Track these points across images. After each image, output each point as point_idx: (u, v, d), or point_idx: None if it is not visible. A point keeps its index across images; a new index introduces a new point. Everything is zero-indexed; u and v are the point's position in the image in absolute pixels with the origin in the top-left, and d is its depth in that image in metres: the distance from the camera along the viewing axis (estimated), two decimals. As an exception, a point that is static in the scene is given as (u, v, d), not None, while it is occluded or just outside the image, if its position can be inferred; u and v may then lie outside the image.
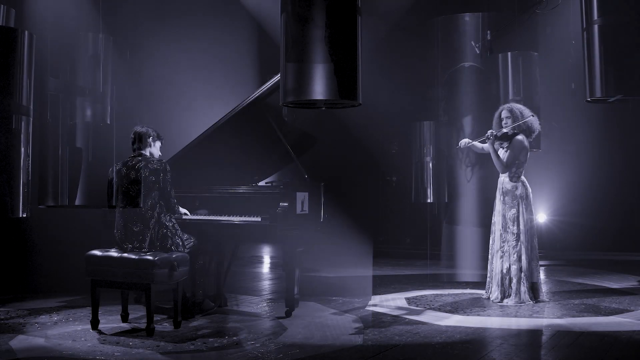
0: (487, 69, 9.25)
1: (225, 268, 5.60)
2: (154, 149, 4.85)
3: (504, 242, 5.74)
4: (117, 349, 4.09)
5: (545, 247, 9.24)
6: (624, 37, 5.44)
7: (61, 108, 8.25)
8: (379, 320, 5.03)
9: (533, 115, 5.88)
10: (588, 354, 4.02)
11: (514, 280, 5.65)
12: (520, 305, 5.53)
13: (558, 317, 5.09)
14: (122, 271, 4.48)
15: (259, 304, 5.85)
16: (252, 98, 5.35)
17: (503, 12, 8.76)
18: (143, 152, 4.77)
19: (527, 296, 5.61)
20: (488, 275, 5.92)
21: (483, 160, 8.21)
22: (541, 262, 6.72)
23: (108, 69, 8.36)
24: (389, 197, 11.69)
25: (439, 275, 7.87)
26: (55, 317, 5.06)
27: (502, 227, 5.76)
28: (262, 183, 5.70)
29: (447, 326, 4.77)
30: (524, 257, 5.67)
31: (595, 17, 5.58)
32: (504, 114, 5.87)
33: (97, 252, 4.62)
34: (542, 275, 6.66)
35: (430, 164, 10.59)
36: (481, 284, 6.37)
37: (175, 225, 4.77)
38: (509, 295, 5.66)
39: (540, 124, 6.01)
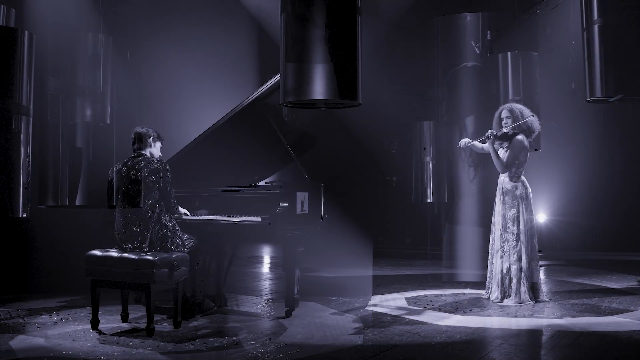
0: (487, 69, 9.25)
1: (225, 268, 5.60)
2: (154, 149, 4.85)
3: (504, 242, 5.74)
4: (117, 349, 4.09)
5: (545, 247, 9.24)
6: (624, 37, 5.43)
7: (61, 108, 8.26)
8: (379, 320, 5.03)
9: (533, 115, 5.88)
10: (588, 354, 4.02)
11: (514, 280, 5.65)
12: (520, 305, 5.53)
13: (558, 317, 5.09)
14: (122, 271, 4.48)
15: (259, 304, 5.85)
16: (252, 98, 5.35)
17: (503, 12, 8.77)
18: (143, 152, 4.77)
19: (527, 296, 5.61)
20: (488, 275, 5.92)
21: (484, 160, 8.21)
22: (541, 262, 6.72)
23: (108, 69, 8.36)
24: (389, 197, 11.69)
25: (439, 275, 7.87)
26: (55, 317, 5.06)
27: (502, 227, 5.76)
28: (262, 183, 5.70)
29: (447, 326, 4.77)
30: (524, 257, 5.67)
31: (595, 17, 5.58)
32: (504, 113, 5.87)
33: (97, 252, 4.62)
34: (542, 275, 6.67)
35: (430, 164, 10.59)
36: (481, 283, 6.37)
37: (175, 225, 4.77)
38: (509, 295, 5.66)
39: (540, 124, 6.01)
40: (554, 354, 4.06)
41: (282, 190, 4.98)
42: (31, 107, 5.54)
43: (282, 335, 4.48)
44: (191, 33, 9.37)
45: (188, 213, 5.09)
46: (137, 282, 4.45)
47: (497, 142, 5.90)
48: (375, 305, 5.71)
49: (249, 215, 5.04)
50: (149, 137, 4.81)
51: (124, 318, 4.85)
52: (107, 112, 8.35)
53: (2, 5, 6.62)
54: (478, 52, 7.29)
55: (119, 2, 8.76)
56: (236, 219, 5.07)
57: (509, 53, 8.52)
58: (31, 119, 5.54)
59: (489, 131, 5.84)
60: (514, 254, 5.68)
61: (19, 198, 5.37)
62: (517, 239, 5.69)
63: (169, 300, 4.76)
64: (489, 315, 5.19)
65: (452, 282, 7.25)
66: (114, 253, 4.58)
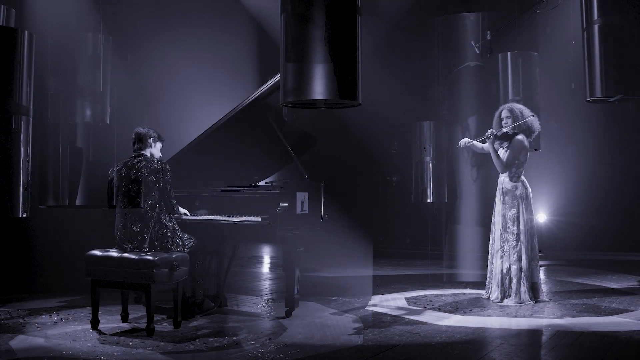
0: (487, 69, 9.26)
1: (225, 268, 5.60)
2: (155, 150, 4.85)
3: (504, 242, 5.74)
4: (117, 349, 4.08)
5: (545, 247, 9.24)
6: (624, 37, 5.44)
7: (61, 108, 8.26)
8: (379, 320, 5.03)
9: (533, 115, 5.88)
10: (588, 354, 4.02)
11: (514, 280, 5.65)
12: (520, 305, 5.53)
13: (558, 317, 5.09)
14: (122, 271, 4.48)
15: (259, 304, 5.84)
16: (252, 98, 5.35)
17: (503, 12, 8.77)
18: (143, 152, 4.78)
19: (527, 296, 5.61)
20: (488, 275, 5.92)
21: (484, 160, 8.21)
22: (541, 262, 6.72)
23: (108, 69, 8.36)
24: (389, 197, 11.69)
25: (439, 275, 7.86)
26: (55, 317, 5.06)
27: (502, 227, 5.76)
28: (262, 183, 5.70)
29: (447, 326, 4.76)
30: (524, 257, 5.67)
31: (595, 17, 5.58)
32: (504, 113, 5.87)
33: (97, 252, 4.62)
34: (542, 275, 6.67)
35: (430, 164, 10.59)
36: (481, 283, 6.37)
37: (175, 225, 4.77)
38: (509, 295, 5.66)
39: (540, 124, 6.01)
40: (554, 354, 4.06)
41: (282, 190, 4.98)
42: (31, 107, 5.54)
43: (282, 335, 4.48)
44: (191, 33, 9.37)
45: (188, 213, 5.09)
46: (137, 282, 4.45)
47: (497, 142, 5.90)
48: (375, 305, 5.71)
49: (249, 215, 5.04)
50: (150, 138, 4.81)
51: (124, 318, 4.85)
52: (107, 112, 8.35)
53: (2, 5, 6.62)
54: (478, 52, 7.29)
55: (119, 2, 8.76)
56: (236, 219, 5.07)
57: (508, 53, 8.52)
58: (31, 119, 5.54)
59: (489, 131, 5.84)
60: (514, 254, 5.68)
61: (19, 198, 5.37)
62: (517, 239, 5.69)
63: (169, 300, 4.76)
64: (489, 315, 5.19)
65: (452, 282, 7.25)
66: (114, 253, 4.58)
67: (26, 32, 5.52)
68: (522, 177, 5.82)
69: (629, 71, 5.43)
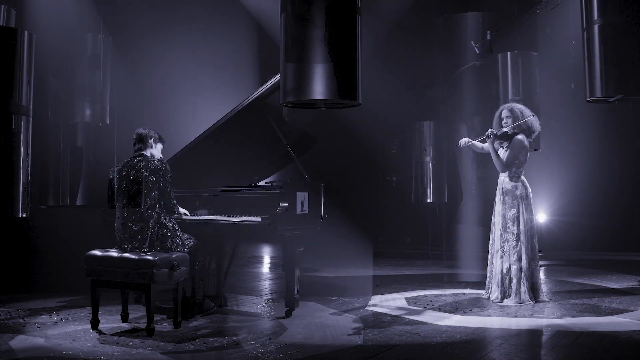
0: (487, 69, 9.25)
1: (225, 268, 5.60)
2: (155, 151, 4.86)
3: (504, 242, 5.74)
4: (117, 349, 4.09)
5: (545, 247, 9.24)
6: (624, 37, 5.43)
7: (61, 108, 8.27)
8: (379, 320, 5.03)
9: (533, 115, 5.88)
10: (588, 354, 4.02)
11: (514, 280, 5.65)
12: (520, 305, 5.53)
13: (558, 317, 5.09)
14: (122, 271, 4.48)
15: (259, 304, 5.84)
16: (252, 98, 5.35)
17: (503, 12, 8.76)
18: (144, 152, 4.78)
19: (527, 296, 5.61)
20: (488, 275, 5.92)
21: (484, 160, 8.20)
22: (541, 262, 6.72)
23: (108, 69, 8.37)
24: (389, 197, 11.69)
25: (439, 275, 7.86)
26: (55, 317, 5.06)
27: (502, 227, 5.76)
28: (262, 183, 5.70)
29: (447, 326, 4.76)
30: (524, 257, 5.67)
31: (595, 17, 5.58)
32: (504, 113, 5.87)
33: (97, 252, 4.62)
34: (542, 275, 6.67)
35: (430, 164, 10.59)
36: (481, 283, 6.37)
37: (175, 225, 4.77)
38: (509, 295, 5.66)
39: (540, 124, 6.01)
40: (554, 354, 4.06)
41: (282, 190, 4.98)
42: (31, 107, 5.54)
43: (282, 335, 4.48)
44: (191, 33, 9.38)
45: (188, 213, 5.09)
46: (137, 282, 4.45)
47: (497, 142, 5.91)
48: (375, 305, 5.71)
49: (249, 215, 5.04)
50: (150, 138, 4.82)
51: (124, 318, 4.85)
52: (106, 112, 8.36)
53: (2, 6, 6.62)
54: (478, 52, 7.28)
55: (119, 2, 8.76)
56: (236, 219, 5.07)
57: (508, 53, 8.52)
58: (31, 119, 5.54)
59: (489, 130, 5.84)
60: (514, 254, 5.68)
61: (19, 198, 5.37)
62: (517, 239, 5.69)
63: (169, 300, 4.76)
64: (489, 315, 5.19)
65: (452, 282, 7.25)
66: (114, 253, 4.58)
67: (26, 32, 5.52)
68: (522, 177, 5.82)
69: (629, 71, 5.43)
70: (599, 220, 9.67)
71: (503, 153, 5.84)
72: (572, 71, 8.35)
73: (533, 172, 7.01)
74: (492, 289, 5.80)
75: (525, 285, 5.63)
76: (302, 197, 5.08)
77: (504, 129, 5.80)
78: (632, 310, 5.34)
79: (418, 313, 5.30)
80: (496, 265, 5.78)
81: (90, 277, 4.61)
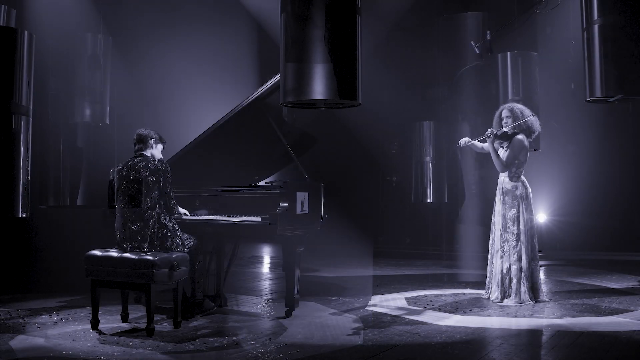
0: (487, 69, 9.26)
1: (225, 268, 5.60)
2: (156, 151, 4.86)
3: (504, 242, 5.74)
4: (117, 349, 4.09)
5: (545, 247, 9.24)
6: (624, 37, 5.43)
7: (61, 108, 8.27)
8: (379, 320, 5.03)
9: (533, 115, 5.88)
10: (588, 354, 4.02)
11: (514, 280, 5.65)
12: (520, 305, 5.53)
13: (558, 317, 5.09)
14: (122, 271, 4.48)
15: (259, 304, 5.85)
16: (252, 98, 5.35)
17: (503, 12, 8.77)
18: (144, 153, 4.79)
19: (527, 296, 5.61)
20: (488, 275, 5.92)
21: (484, 160, 8.21)
22: (541, 262, 6.72)
23: (108, 69, 8.37)
24: (389, 197, 11.69)
25: (439, 275, 7.86)
26: (55, 317, 5.06)
27: (502, 227, 5.76)
28: (262, 183, 5.70)
29: (447, 326, 4.76)
30: (524, 257, 5.67)
31: (595, 17, 5.58)
32: (505, 113, 5.87)
33: (97, 252, 4.62)
34: (542, 275, 6.67)
35: (430, 164, 10.60)
36: (481, 283, 6.37)
37: (175, 225, 4.77)
38: (509, 295, 5.66)
39: (540, 124, 6.01)
40: (554, 354, 4.06)
41: (282, 190, 4.98)
42: (31, 107, 5.54)
43: (282, 335, 4.48)
44: (191, 33, 9.37)
45: (188, 213, 5.09)
46: (137, 282, 4.45)
47: (497, 142, 5.91)
48: (375, 305, 5.71)
49: (249, 215, 5.04)
50: (151, 139, 4.82)
51: (124, 318, 4.85)
52: (106, 112, 8.36)
53: (3, 6, 6.62)
54: (478, 52, 7.27)
55: (119, 2, 8.77)
56: (236, 219, 5.07)
57: (508, 53, 8.53)
58: (31, 119, 5.54)
59: (489, 130, 5.84)
60: (514, 254, 5.68)
61: (19, 198, 5.37)
62: (517, 239, 5.69)
63: (169, 300, 4.76)
64: (489, 315, 5.19)
65: (452, 282, 7.24)
66: (114, 253, 4.58)
67: (26, 32, 5.52)
68: (522, 177, 5.82)
69: (629, 71, 5.42)
70: (599, 220, 9.67)
71: (503, 153, 5.84)
72: (572, 71, 8.36)
73: (533, 172, 7.01)
74: (492, 289, 5.80)
75: (525, 285, 5.63)
76: (302, 197, 5.08)
77: (504, 129, 5.80)
78: (632, 310, 5.34)
79: (418, 313, 5.30)
80: (496, 265, 5.78)
81: (90, 277, 4.61)
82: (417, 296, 6.16)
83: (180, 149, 5.51)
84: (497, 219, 5.84)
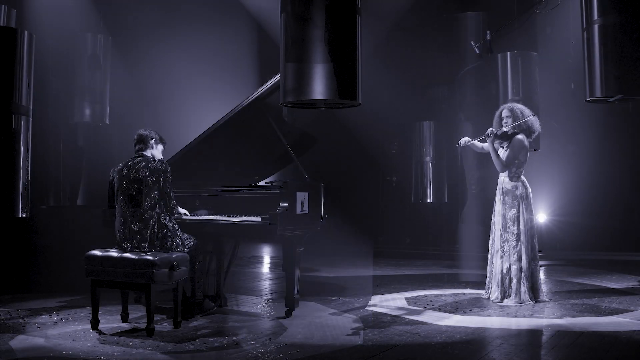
0: (486, 69, 9.26)
1: (225, 268, 5.60)
2: (156, 152, 4.86)
3: (504, 242, 5.74)
4: (117, 349, 4.09)
5: (545, 247, 9.24)
6: (624, 37, 5.43)
7: (61, 108, 8.27)
8: (379, 320, 5.03)
9: (533, 115, 5.88)
10: (588, 354, 4.02)
11: (514, 280, 5.65)
12: (520, 305, 5.53)
13: (558, 317, 5.09)
14: (122, 271, 4.48)
15: (259, 304, 5.84)
16: (252, 98, 5.35)
17: (503, 12, 8.77)
18: (144, 153, 4.79)
19: (527, 296, 5.61)
20: (488, 275, 5.92)
21: (484, 160, 8.20)
22: (541, 262, 6.72)
23: (107, 69, 8.38)
24: (389, 197, 11.69)
25: (439, 275, 7.86)
26: (55, 317, 5.06)
27: (502, 227, 5.76)
28: (262, 183, 5.70)
29: (447, 326, 4.76)
30: (524, 257, 5.67)
31: (595, 17, 5.58)
32: (505, 113, 5.87)
33: (97, 252, 4.62)
34: (542, 275, 6.67)
35: (430, 164, 10.60)
36: (481, 283, 6.37)
37: (175, 226, 4.77)
38: (509, 295, 5.66)
39: (540, 124, 6.01)
40: (554, 354, 4.06)
41: (282, 190, 4.98)
42: (31, 107, 5.54)
43: (282, 335, 4.48)
44: (191, 33, 9.38)
45: (188, 213, 5.09)
46: (137, 282, 4.45)
47: (497, 142, 5.91)
48: (375, 305, 5.71)
49: (249, 215, 5.03)
50: (151, 139, 4.83)
51: (124, 318, 4.85)
52: (106, 112, 8.36)
53: (3, 6, 6.63)
54: (478, 52, 7.28)
55: (119, 2, 8.77)
56: (236, 219, 5.07)
57: (508, 53, 8.53)
58: (31, 119, 5.55)
59: (489, 129, 5.84)
60: (514, 254, 5.68)
61: (18, 198, 5.37)
62: (517, 239, 5.69)
63: (169, 300, 4.76)
64: (489, 315, 5.19)
65: (452, 282, 7.24)
66: (114, 253, 4.58)
67: (26, 32, 5.52)
68: (522, 177, 5.82)
69: (629, 71, 5.42)
70: (599, 220, 9.67)
71: (503, 153, 5.84)
72: (572, 71, 8.36)
73: (533, 172, 7.01)
74: (492, 289, 5.80)
75: (525, 285, 5.63)
76: (302, 197, 5.08)
77: (504, 129, 5.80)
78: (632, 310, 5.34)
79: (418, 313, 5.30)
80: (496, 265, 5.78)
81: (90, 277, 4.61)
82: (417, 296, 6.16)
83: (180, 149, 5.51)
84: (497, 219, 5.84)
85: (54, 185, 8.37)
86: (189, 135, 5.64)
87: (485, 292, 5.94)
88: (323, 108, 4.94)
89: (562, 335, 4.47)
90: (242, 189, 5.31)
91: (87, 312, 5.10)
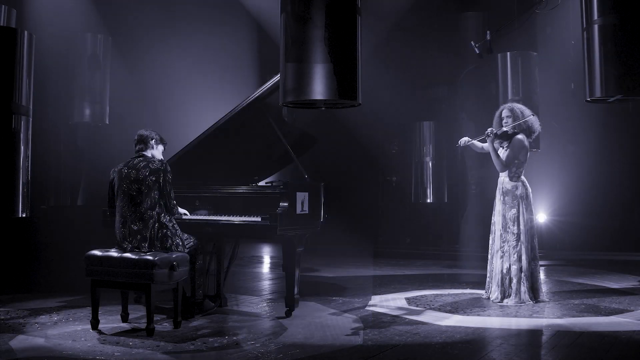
0: (486, 69, 9.27)
1: (225, 268, 5.60)
2: (156, 152, 4.87)
3: (504, 242, 5.74)
4: (117, 349, 4.09)
5: (545, 247, 9.24)
6: (624, 37, 5.43)
7: (61, 108, 8.27)
8: (379, 320, 5.03)
9: (533, 115, 5.88)
10: (588, 354, 4.02)
11: (514, 280, 5.65)
12: (520, 305, 5.53)
13: (558, 317, 5.09)
14: (122, 271, 4.48)
15: (259, 304, 5.84)
16: (252, 98, 5.35)
17: (503, 12, 8.77)
18: (145, 153, 4.79)
19: (527, 296, 5.61)
20: (488, 275, 5.92)
21: (484, 160, 8.20)
22: (541, 262, 6.71)
23: (107, 69, 8.38)
24: (389, 197, 11.70)
25: (439, 275, 7.86)
26: (55, 317, 5.06)
27: (502, 227, 5.76)
28: (262, 183, 5.70)
29: (447, 326, 4.76)
30: (524, 257, 5.67)
31: (595, 17, 5.58)
32: (505, 113, 5.87)
33: (97, 252, 4.62)
34: (542, 275, 6.66)
35: (430, 164, 10.60)
36: (481, 283, 6.37)
37: (175, 226, 4.77)
38: (509, 295, 5.66)
39: (540, 124, 6.01)
40: (554, 354, 4.06)
41: (282, 190, 4.98)
42: (31, 107, 5.54)
43: (282, 335, 4.48)
44: (191, 33, 9.38)
45: (188, 213, 5.09)
46: (137, 282, 4.45)
47: (497, 142, 5.91)
48: (375, 305, 5.71)
49: (249, 215, 5.04)
50: (152, 139, 4.83)
51: (124, 318, 4.85)
52: (106, 112, 8.36)
53: (3, 6, 6.63)
54: (478, 52, 7.28)
55: (119, 2, 8.77)
56: (236, 219, 5.07)
57: (508, 53, 8.53)
58: (31, 119, 5.55)
59: (489, 129, 5.83)
60: (514, 254, 5.68)
61: (18, 198, 5.37)
62: (518, 239, 5.69)
63: (169, 300, 4.76)
64: (489, 315, 5.19)
65: (453, 282, 7.24)
66: (114, 253, 4.58)
67: (26, 32, 5.52)
68: (522, 177, 5.82)
69: (629, 71, 5.42)
70: (599, 220, 9.67)
71: (503, 153, 5.84)
72: (572, 71, 8.36)
73: (533, 172, 7.01)
74: (492, 289, 5.80)
75: (525, 285, 5.63)
76: (302, 197, 5.08)
77: (504, 128, 5.80)
78: (632, 310, 5.34)
79: (418, 313, 5.30)
80: (496, 265, 5.78)
81: (90, 277, 4.61)
82: (417, 296, 6.16)
83: (180, 149, 5.51)
84: (497, 219, 5.84)
85: (54, 185, 8.37)
86: (189, 135, 5.64)
87: (485, 292, 5.94)
88: (323, 108, 4.94)
89: (562, 335, 4.47)
90: (242, 189, 5.31)
91: (87, 312, 5.10)
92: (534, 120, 5.85)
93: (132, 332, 4.55)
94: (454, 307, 5.54)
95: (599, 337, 4.44)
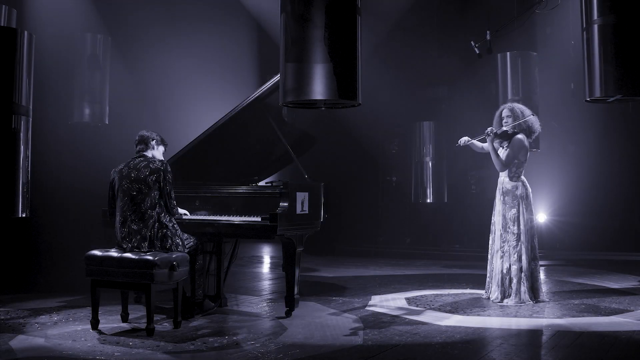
0: (486, 69, 9.26)
1: (225, 268, 5.60)
2: (157, 152, 4.87)
3: (504, 242, 5.74)
4: (117, 349, 4.09)
5: (545, 247, 9.24)
6: (624, 37, 5.43)
7: (61, 108, 8.27)
8: (379, 320, 5.03)
9: (533, 115, 5.88)
10: (588, 354, 4.02)
11: (514, 280, 5.65)
12: (520, 305, 5.53)
13: (558, 317, 5.09)
14: (122, 271, 4.48)
15: (259, 304, 5.85)
16: (252, 98, 5.35)
17: (503, 12, 8.77)
18: (145, 153, 4.80)
19: (527, 296, 5.61)
20: (488, 275, 5.92)
21: (484, 160, 8.20)
22: (541, 262, 6.72)
23: (107, 69, 8.37)
24: (389, 197, 11.70)
25: (439, 275, 7.86)
26: (55, 317, 5.06)
27: (502, 227, 5.76)
28: (262, 183, 5.71)
29: (447, 326, 4.76)
30: (524, 257, 5.67)
31: (595, 17, 5.58)
32: (505, 112, 5.87)
33: (97, 252, 4.62)
34: (542, 275, 6.67)
35: (430, 164, 10.60)
36: (481, 283, 6.37)
37: (175, 226, 4.77)
38: (509, 295, 5.66)
39: (540, 124, 6.01)
40: (554, 354, 4.06)
41: (282, 190, 4.98)
42: (31, 107, 5.54)
43: (282, 335, 4.48)
44: (191, 33, 9.38)
45: (188, 213, 5.09)
46: (137, 282, 4.45)
47: (497, 142, 5.91)
48: (375, 305, 5.71)
49: (249, 215, 5.04)
50: (152, 140, 4.84)
51: (124, 318, 4.85)
52: (106, 112, 8.35)
53: (3, 6, 6.63)
54: (477, 52, 7.28)
55: (119, 2, 8.77)
56: (236, 219, 5.07)
57: (508, 53, 8.53)
58: (31, 119, 5.55)
59: (489, 128, 5.83)
60: (514, 254, 5.68)
61: (18, 198, 5.37)
62: (518, 239, 5.69)
63: (169, 300, 4.76)
64: (489, 315, 5.19)
65: (452, 282, 7.24)
66: (114, 253, 4.58)
67: (26, 33, 5.52)
68: (522, 177, 5.82)
69: (629, 71, 5.42)
70: (599, 220, 9.67)
71: (503, 152, 5.84)
72: (572, 71, 8.35)
73: (533, 172, 7.01)
74: (492, 289, 5.80)
75: (525, 285, 5.63)
76: (302, 197, 5.08)
77: (504, 128, 5.80)
78: (632, 310, 5.34)
79: (418, 313, 5.30)
80: (496, 265, 5.78)
81: (90, 277, 4.61)
82: (417, 296, 6.16)
83: (181, 149, 5.52)
84: (497, 218, 5.84)
85: (54, 186, 8.36)
86: (189, 135, 5.64)
87: (485, 292, 5.94)
88: (323, 108, 4.94)
89: (562, 335, 4.47)
90: (242, 189, 5.31)
91: (87, 312, 5.10)
92: (534, 120, 5.85)
93: (132, 332, 4.55)
94: (454, 307, 5.54)
95: (599, 337, 4.44)
